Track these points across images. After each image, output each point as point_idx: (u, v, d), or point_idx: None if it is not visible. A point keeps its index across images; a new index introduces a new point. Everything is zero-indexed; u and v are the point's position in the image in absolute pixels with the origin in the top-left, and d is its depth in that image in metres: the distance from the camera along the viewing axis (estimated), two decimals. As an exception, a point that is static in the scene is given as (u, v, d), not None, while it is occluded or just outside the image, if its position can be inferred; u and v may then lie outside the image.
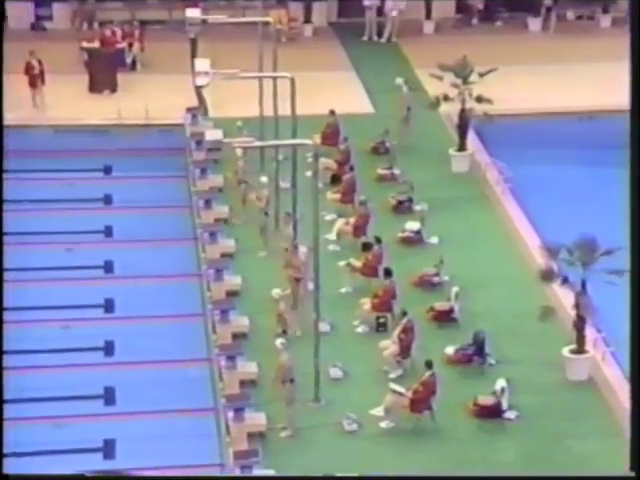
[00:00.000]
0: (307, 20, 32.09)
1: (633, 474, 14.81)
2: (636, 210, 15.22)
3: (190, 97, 26.32)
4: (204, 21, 24.10)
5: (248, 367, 18.55)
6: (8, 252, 21.75)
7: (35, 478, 15.91)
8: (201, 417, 18.11)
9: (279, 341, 18.05)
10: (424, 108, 25.94)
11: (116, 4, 31.25)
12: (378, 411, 17.99)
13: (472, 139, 25.93)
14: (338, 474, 16.66)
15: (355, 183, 23.50)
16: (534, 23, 32.54)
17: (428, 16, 32.48)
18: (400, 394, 17.88)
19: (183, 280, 21.35)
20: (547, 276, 19.12)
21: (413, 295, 20.63)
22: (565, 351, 19.05)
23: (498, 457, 17.33)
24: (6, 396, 18.03)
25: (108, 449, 17.45)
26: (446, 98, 25.04)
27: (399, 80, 26.43)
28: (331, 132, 25.13)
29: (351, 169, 23.80)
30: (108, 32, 29.02)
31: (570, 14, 33.03)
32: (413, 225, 22.76)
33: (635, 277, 15.19)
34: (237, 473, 16.46)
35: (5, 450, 16.95)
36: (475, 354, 19.15)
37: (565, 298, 19.76)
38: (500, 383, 18.12)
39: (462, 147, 25.54)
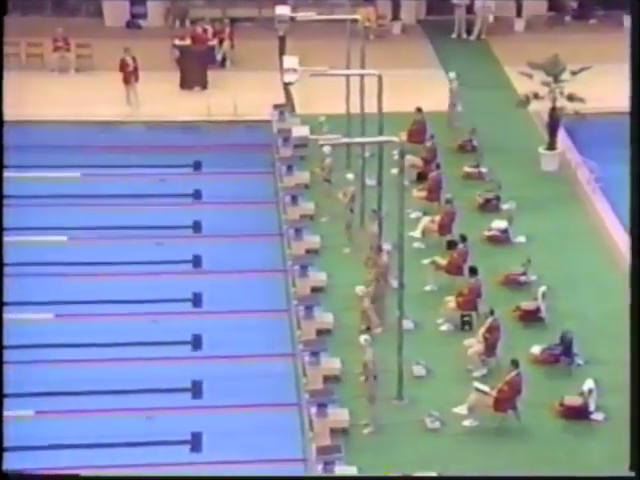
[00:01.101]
0: (395, 17, 32.08)
1: (633, 474, 14.64)
2: (636, 208, 15.02)
3: (278, 94, 26.52)
4: (293, 19, 24.27)
5: (332, 363, 18.65)
6: (104, 246, 22.21)
7: (34, 478, 15.99)
8: (285, 412, 18.27)
9: (363, 338, 18.11)
10: (513, 106, 25.76)
11: (208, 2, 31.67)
12: (461, 409, 17.95)
13: (562, 138, 25.66)
14: (419, 472, 16.66)
15: (441, 181, 23.44)
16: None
17: (519, 14, 32.22)
18: (484, 393, 17.80)
19: (269, 276, 21.55)
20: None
21: (499, 294, 20.52)
22: (654, 353, 18.75)
23: (584, 458, 17.15)
24: (98, 388, 18.50)
25: (195, 442, 17.69)
26: (536, 96, 24.84)
27: (452, 74, 26.27)
28: (417, 130, 25.12)
29: (437, 167, 23.75)
30: (199, 30, 29.40)
31: (668, 10, 32.38)
32: (500, 224, 22.63)
33: (635, 276, 15.00)
34: (319, 469, 16.56)
35: (99, 441, 17.39)
36: (562, 354, 18.97)
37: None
38: (588, 384, 17.92)
39: (552, 146, 25.29)
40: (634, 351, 14.91)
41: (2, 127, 18.65)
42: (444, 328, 19.99)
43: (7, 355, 18.86)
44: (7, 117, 25.91)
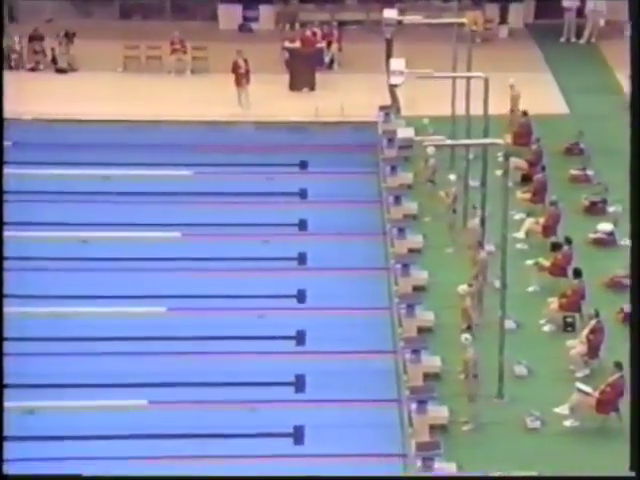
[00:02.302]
0: (503, 21, 32.05)
1: (633, 474, 14.43)
2: (636, 209, 14.84)
3: (383, 96, 26.80)
4: (400, 22, 24.52)
5: (432, 361, 18.84)
6: (214, 243, 22.70)
7: (34, 478, 16.17)
8: (385, 408, 18.53)
9: (464, 337, 18.28)
10: (622, 110, 25.54)
11: (318, 6, 32.13)
12: (563, 409, 17.95)
13: (673, 141, 25.31)
14: (518, 471, 16.72)
15: (546, 183, 23.44)
16: None
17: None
18: (586, 394, 17.78)
19: (371, 273, 21.86)
20: None
21: (603, 296, 20.45)
22: None
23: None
24: (205, 380, 19.00)
25: (298, 435, 18.07)
26: (646, 100, 24.56)
27: (512, 80, 26.09)
28: (523, 132, 25.13)
29: (542, 169, 23.76)
30: (308, 33, 29.87)
31: None
32: (606, 226, 22.54)
33: (635, 276, 14.74)
34: (419, 464, 16.76)
35: (205, 431, 17.90)
36: (666, 358, 18.80)
37: None
38: (691, 388, 17.73)
39: (660, 149, 24.97)
40: (634, 351, 14.84)
41: (2, 125, 19.08)
42: (546, 329, 20.02)
43: (121, 347, 19.70)
44: (129, 117, 27.14)
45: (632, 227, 15.33)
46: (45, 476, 16.21)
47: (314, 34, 29.93)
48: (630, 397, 14.84)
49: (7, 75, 28.62)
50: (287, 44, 29.74)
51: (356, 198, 24.33)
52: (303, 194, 24.85)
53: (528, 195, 23.41)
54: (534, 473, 16.73)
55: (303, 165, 25.97)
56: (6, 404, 17.83)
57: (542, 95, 27.75)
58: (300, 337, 20.32)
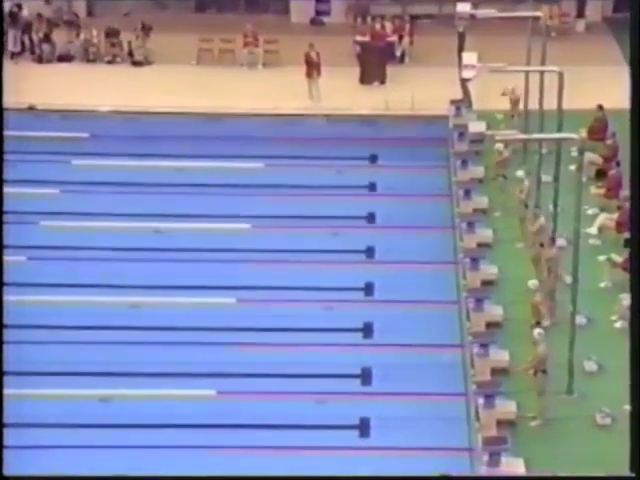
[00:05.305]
0: (580, 15, 31.67)
1: (633, 474, 14.19)
2: (636, 209, 14.35)
3: (455, 89, 26.68)
4: (473, 16, 24.35)
5: (500, 355, 18.68)
6: (283, 234, 22.82)
7: (35, 478, 16.18)
8: (452, 402, 18.46)
9: (537, 331, 18.08)
10: None
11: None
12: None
13: None
14: (587, 469, 16.50)
15: (621, 179, 23.10)
16: None
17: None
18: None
19: (440, 267, 21.77)
20: None
21: (677, 294, 20.11)
22: None
23: None
24: (273, 371, 19.08)
25: (363, 427, 18.07)
26: None
27: (512, 86, 25.61)
28: (598, 127, 24.82)
29: (617, 164, 23.44)
30: (379, 26, 29.86)
31: None
32: (681, 223, 22.13)
33: (636, 276, 14.54)
34: (485, 458, 16.65)
35: (272, 422, 17.98)
36: None
37: None
38: None
39: None
40: (634, 350, 14.58)
41: (2, 118, 19.21)
42: (618, 325, 19.75)
43: (191, 336, 19.88)
44: (202, 110, 27.43)
45: (632, 227, 15.04)
46: (45, 476, 16.29)
47: (383, 27, 29.89)
48: (630, 397, 14.57)
49: (86, 68, 29.35)
50: (358, 38, 29.77)
51: (425, 192, 24.26)
52: (372, 187, 24.86)
53: (602, 190, 23.13)
54: (602, 473, 16.48)
55: (373, 158, 25.98)
56: (84, 391, 18.22)
57: (619, 89, 27.22)
58: (367, 330, 20.31)
